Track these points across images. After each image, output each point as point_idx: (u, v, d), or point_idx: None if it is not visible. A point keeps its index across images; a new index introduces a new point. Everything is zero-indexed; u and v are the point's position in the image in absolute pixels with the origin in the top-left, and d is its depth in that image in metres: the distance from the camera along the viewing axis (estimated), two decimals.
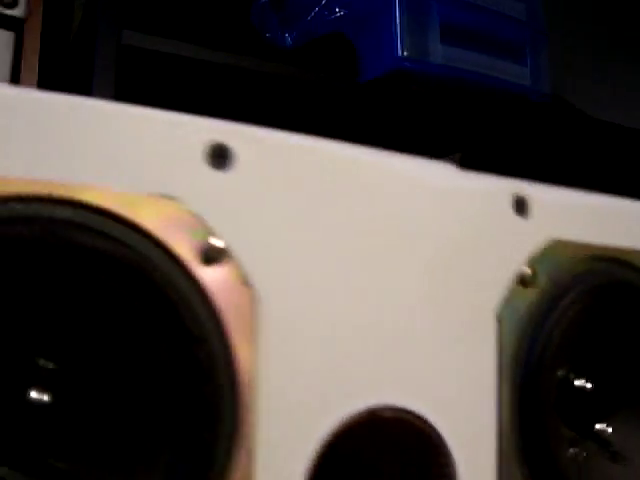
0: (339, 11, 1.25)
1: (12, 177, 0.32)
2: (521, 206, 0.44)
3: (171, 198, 0.35)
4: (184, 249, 0.35)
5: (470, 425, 0.41)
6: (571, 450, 0.44)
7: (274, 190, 0.37)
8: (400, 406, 0.39)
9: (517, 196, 0.44)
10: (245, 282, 0.36)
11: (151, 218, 0.34)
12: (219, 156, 0.36)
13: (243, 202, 0.37)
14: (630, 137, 1.36)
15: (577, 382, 0.46)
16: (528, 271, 0.43)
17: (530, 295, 0.43)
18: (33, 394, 0.34)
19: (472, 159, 1.35)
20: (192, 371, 0.34)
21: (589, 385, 0.46)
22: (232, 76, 1.04)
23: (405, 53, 1.22)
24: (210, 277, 0.35)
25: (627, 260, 0.46)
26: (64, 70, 0.94)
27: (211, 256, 0.35)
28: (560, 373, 0.45)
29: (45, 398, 0.34)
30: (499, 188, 0.44)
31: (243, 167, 0.37)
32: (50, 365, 0.34)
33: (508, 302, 0.43)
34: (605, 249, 0.46)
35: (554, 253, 0.44)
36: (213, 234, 0.35)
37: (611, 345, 0.46)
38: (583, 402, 0.46)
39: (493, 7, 1.23)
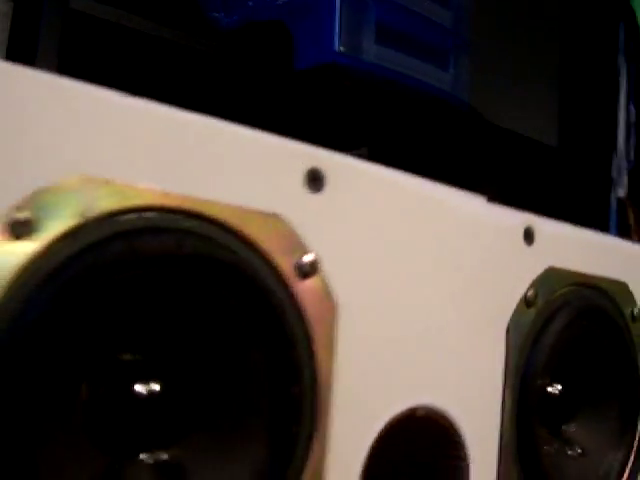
0: None
1: (156, 189, 0.35)
2: (529, 236, 0.51)
3: (275, 215, 0.39)
4: (284, 262, 0.39)
5: (482, 425, 0.47)
6: (545, 447, 0.51)
7: (356, 213, 0.42)
8: (430, 405, 0.45)
9: (527, 227, 0.51)
10: (329, 295, 0.40)
11: (259, 232, 0.38)
12: (314, 179, 0.40)
13: (331, 222, 0.41)
14: (529, 146, 1.47)
15: (550, 388, 0.53)
16: (531, 293, 0.50)
17: (532, 314, 0.50)
18: (151, 386, 0.37)
19: (379, 154, 1.41)
20: (283, 372, 0.38)
21: (558, 390, 0.54)
22: (170, 51, 1.05)
23: (341, 48, 1.27)
24: (302, 289, 0.39)
25: (603, 288, 0.54)
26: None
27: (305, 270, 0.39)
28: (541, 381, 0.52)
29: (156, 389, 0.37)
30: (515, 220, 0.50)
31: (333, 190, 0.41)
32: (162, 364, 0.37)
33: (515, 319, 0.49)
34: (588, 277, 0.54)
35: (549, 279, 0.52)
36: (307, 250, 0.39)
37: (583, 358, 0.54)
38: (555, 405, 0.53)
39: (423, 12, 1.30)
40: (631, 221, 1.29)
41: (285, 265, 0.39)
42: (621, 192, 1.32)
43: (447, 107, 1.34)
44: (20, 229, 0.31)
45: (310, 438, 0.39)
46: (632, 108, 1.35)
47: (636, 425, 0.56)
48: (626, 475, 0.56)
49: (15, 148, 0.31)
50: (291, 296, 0.39)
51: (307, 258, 0.39)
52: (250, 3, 1.29)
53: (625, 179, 1.33)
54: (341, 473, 0.41)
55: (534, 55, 1.58)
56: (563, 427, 0.54)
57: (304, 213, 0.40)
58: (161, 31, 1.06)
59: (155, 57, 1.03)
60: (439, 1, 1.35)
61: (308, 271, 0.39)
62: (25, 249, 0.31)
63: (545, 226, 0.52)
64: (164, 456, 0.36)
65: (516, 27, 1.54)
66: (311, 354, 0.39)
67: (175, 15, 1.15)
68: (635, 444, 0.56)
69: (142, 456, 0.36)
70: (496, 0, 1.42)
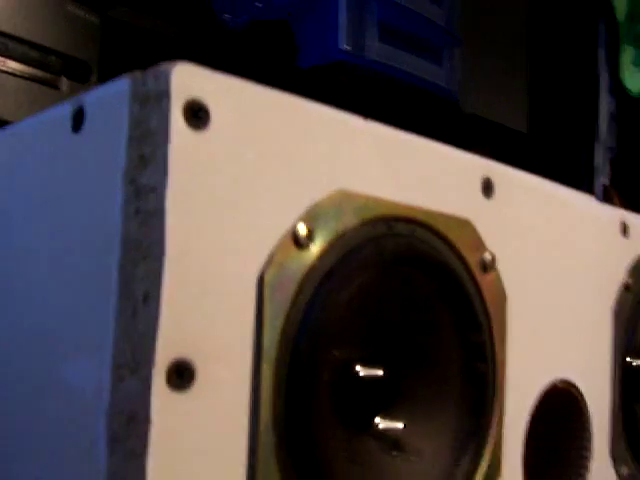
0: None
1: (396, 202, 0.41)
2: (625, 230, 0.58)
3: (466, 219, 0.45)
4: (472, 260, 0.45)
5: (601, 396, 0.55)
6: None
7: (523, 219, 0.48)
8: (567, 379, 0.52)
9: (622, 222, 0.58)
10: (502, 288, 0.47)
11: (455, 235, 0.44)
12: (487, 188, 0.47)
13: (500, 225, 0.47)
14: (510, 135, 1.56)
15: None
16: (629, 279, 0.58)
17: (630, 298, 0.58)
18: (365, 370, 0.42)
19: None
20: (472, 352, 0.45)
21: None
22: (183, 50, 1.10)
23: (347, 47, 1.33)
24: (484, 282, 0.46)
25: None
26: None
27: (486, 266, 0.46)
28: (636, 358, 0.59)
29: (373, 374, 0.43)
30: (614, 215, 0.58)
31: (501, 198, 0.47)
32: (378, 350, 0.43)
33: (619, 303, 0.57)
34: None
35: None
36: (487, 250, 0.46)
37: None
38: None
39: (421, 11, 1.37)
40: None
41: (472, 262, 0.45)
42: (605, 180, 1.42)
43: (441, 101, 1.42)
44: (302, 240, 0.37)
45: (492, 404, 0.46)
46: (612, 98, 1.45)
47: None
48: None
49: (289, 170, 0.37)
50: (477, 287, 0.45)
51: (487, 256, 0.46)
52: (257, 4, 1.34)
53: (608, 167, 1.43)
54: (513, 431, 0.48)
55: (508, 50, 1.68)
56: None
57: (482, 217, 0.46)
58: (172, 30, 1.10)
59: (167, 56, 1.07)
60: (434, 0, 1.42)
61: (488, 267, 0.46)
62: (307, 256, 0.37)
63: (636, 220, 0.59)
64: (393, 424, 0.42)
65: (490, 19, 1.63)
66: (491, 337, 0.46)
67: (189, 16, 1.19)
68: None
69: (374, 427, 0.42)
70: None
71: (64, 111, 0.38)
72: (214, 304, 0.34)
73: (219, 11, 1.28)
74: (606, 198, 1.37)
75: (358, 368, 0.41)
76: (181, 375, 0.33)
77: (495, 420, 0.46)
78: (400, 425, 0.42)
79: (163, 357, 0.32)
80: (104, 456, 0.32)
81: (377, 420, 0.43)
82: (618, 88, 1.43)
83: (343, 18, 1.27)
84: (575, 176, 1.46)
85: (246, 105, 0.35)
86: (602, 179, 1.42)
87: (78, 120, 0.37)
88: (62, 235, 0.37)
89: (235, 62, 1.20)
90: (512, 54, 1.71)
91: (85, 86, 0.72)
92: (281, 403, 0.35)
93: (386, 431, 0.43)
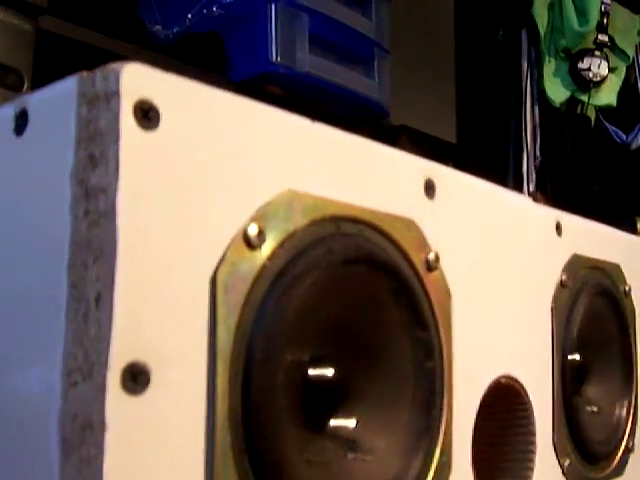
0: (217, 11, 1.32)
1: (343, 202, 0.41)
2: (560, 229, 0.60)
3: (410, 219, 0.46)
4: (417, 259, 0.46)
5: (542, 388, 0.56)
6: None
7: (464, 218, 0.49)
8: (509, 374, 0.53)
9: (557, 222, 0.60)
10: (447, 286, 0.48)
11: (400, 234, 0.45)
12: (429, 188, 0.47)
13: (442, 224, 0.48)
14: (439, 145, 1.59)
15: (571, 356, 0.63)
16: (565, 276, 0.60)
17: (566, 294, 0.60)
18: (313, 372, 0.43)
19: None
20: (421, 350, 0.45)
21: (578, 358, 0.63)
22: (113, 61, 1.09)
23: (278, 58, 1.34)
24: (429, 281, 0.46)
25: (606, 269, 0.65)
26: None
27: (431, 265, 0.47)
28: (572, 351, 0.61)
29: (329, 373, 0.43)
30: (549, 216, 0.60)
31: (443, 199, 0.48)
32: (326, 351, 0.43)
33: (556, 299, 0.59)
34: (596, 261, 0.64)
35: (574, 264, 0.61)
36: (431, 249, 0.47)
37: (593, 328, 0.64)
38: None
39: (350, 24, 1.38)
40: None
41: (417, 261, 0.46)
42: (532, 186, 1.46)
43: (372, 112, 1.44)
44: (253, 240, 0.37)
45: (442, 401, 0.46)
46: (537, 109, 1.49)
47: (634, 382, 0.67)
48: (630, 425, 0.66)
49: (240, 171, 0.37)
50: (423, 286, 0.46)
51: (432, 255, 0.47)
52: (188, 16, 1.33)
53: (534, 175, 1.47)
54: (462, 427, 0.48)
55: (436, 61, 1.71)
56: (582, 388, 0.64)
57: (425, 217, 0.47)
58: (107, 44, 1.09)
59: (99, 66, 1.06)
60: (363, 13, 1.44)
61: (432, 266, 0.47)
62: (258, 256, 0.37)
63: (569, 220, 0.61)
64: (346, 423, 0.43)
65: (419, 32, 1.66)
66: (438, 335, 0.47)
67: (119, 27, 1.18)
68: (633, 399, 0.67)
69: (329, 426, 0.42)
70: (399, 12, 1.53)
71: (5, 114, 0.37)
72: (168, 305, 0.33)
73: (149, 23, 1.27)
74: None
75: (310, 369, 0.42)
76: (136, 378, 0.32)
77: (445, 417, 0.47)
78: (352, 423, 0.43)
79: (117, 361, 0.31)
80: (58, 462, 0.31)
81: (332, 421, 0.43)
82: (542, 99, 1.48)
83: (273, 30, 1.28)
84: (504, 184, 1.50)
85: (196, 106, 0.35)
86: (529, 186, 1.46)
87: (21, 123, 0.36)
88: (10, 239, 0.36)
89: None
90: (441, 67, 1.74)
91: (18, 95, 0.70)
92: (237, 403, 0.35)
93: (340, 430, 0.43)
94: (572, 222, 0.62)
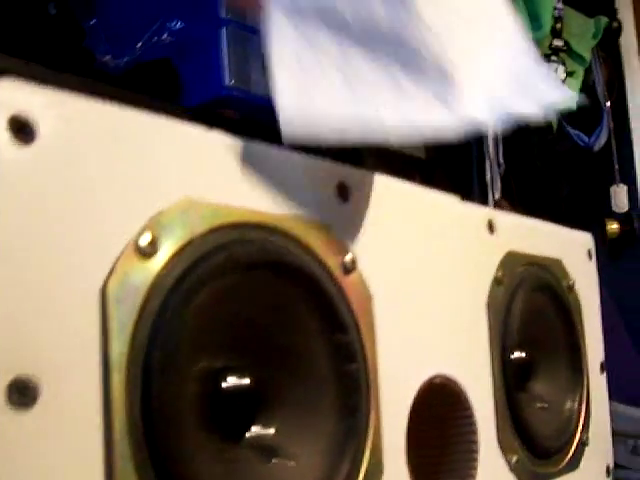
0: (167, 38, 1.33)
1: (241, 207, 0.41)
2: (492, 227, 0.60)
3: (324, 224, 0.46)
4: (332, 262, 0.46)
5: (481, 388, 0.56)
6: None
7: (382, 220, 0.49)
8: (444, 374, 0.53)
9: (489, 220, 0.60)
10: (366, 288, 0.48)
11: (312, 239, 0.45)
12: (343, 192, 0.48)
13: (357, 227, 0.48)
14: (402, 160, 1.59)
15: (516, 354, 0.62)
16: (500, 274, 0.60)
17: (501, 291, 0.60)
18: (232, 378, 0.42)
19: None
20: (342, 353, 0.45)
21: (523, 355, 0.63)
22: None
23: (232, 82, 1.34)
24: (347, 283, 0.46)
25: (547, 265, 0.65)
26: None
27: (348, 268, 0.46)
28: (513, 348, 0.61)
29: (240, 381, 0.43)
30: (479, 214, 0.60)
31: (358, 201, 0.48)
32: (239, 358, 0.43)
33: (491, 297, 0.59)
34: (535, 257, 0.64)
35: (509, 261, 0.61)
36: (347, 251, 0.47)
37: (536, 324, 0.64)
38: (520, 367, 0.62)
39: None
40: None
41: (333, 264, 0.46)
42: (497, 194, 1.46)
43: None
44: (146, 250, 0.36)
45: (368, 404, 0.46)
46: None
47: (585, 376, 0.67)
48: (582, 419, 0.66)
49: (131, 181, 0.37)
50: (340, 289, 0.46)
51: (348, 257, 0.46)
52: (138, 44, 1.34)
53: (499, 182, 1.48)
54: (393, 430, 0.48)
55: None
56: (528, 384, 0.63)
57: (339, 220, 0.47)
58: (50, 75, 1.09)
59: None
60: None
61: (349, 268, 0.47)
62: (152, 265, 0.37)
63: (502, 218, 0.61)
64: (265, 432, 0.42)
65: None
66: (360, 337, 0.46)
67: (70, 61, 1.18)
68: (585, 393, 0.67)
69: (246, 436, 0.42)
70: None
71: None
72: (56, 319, 0.33)
73: (98, 53, 1.27)
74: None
75: (222, 378, 0.41)
76: (23, 393, 0.32)
77: (372, 420, 0.46)
78: (271, 431, 0.42)
79: (1, 376, 0.31)
80: None
81: (252, 429, 0.43)
82: None
83: (226, 54, 1.29)
84: (469, 193, 1.50)
85: (76, 118, 0.35)
86: (494, 193, 1.46)
87: None
88: None
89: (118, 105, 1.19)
90: None
91: None
92: (136, 415, 0.35)
93: (259, 439, 0.42)
94: (506, 220, 0.62)
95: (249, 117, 1.31)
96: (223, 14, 1.28)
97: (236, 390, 0.42)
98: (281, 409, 0.43)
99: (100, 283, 0.35)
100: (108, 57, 1.31)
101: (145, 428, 0.35)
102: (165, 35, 1.36)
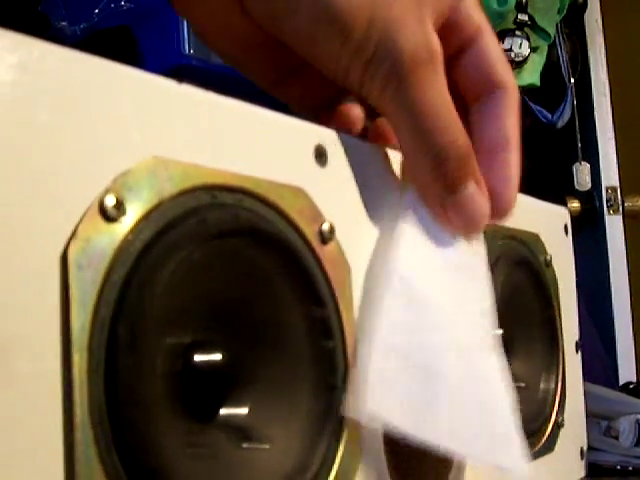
0: (125, 5, 1.28)
1: (213, 168, 0.37)
2: None
3: (300, 189, 0.42)
4: (309, 230, 0.42)
5: None
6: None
7: (361, 187, 0.46)
8: None
9: None
10: (345, 258, 0.45)
11: (288, 204, 0.42)
12: (320, 155, 0.44)
13: (336, 193, 0.45)
14: None
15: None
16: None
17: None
18: (203, 355, 0.39)
19: None
20: (318, 328, 0.42)
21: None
22: None
23: (191, 51, 1.30)
24: (324, 254, 0.43)
25: (523, 239, 0.63)
26: None
27: (325, 237, 0.43)
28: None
29: (212, 358, 0.39)
30: None
31: (336, 166, 0.45)
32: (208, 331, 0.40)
33: None
34: (514, 230, 0.62)
35: (488, 234, 0.59)
36: (325, 220, 0.43)
37: (514, 302, 0.62)
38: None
39: None
40: None
41: (309, 233, 0.42)
42: None
43: None
44: (111, 212, 0.33)
45: (344, 384, 0.43)
46: None
47: (560, 355, 0.65)
48: (558, 399, 0.64)
49: (94, 137, 0.33)
50: (317, 260, 0.43)
51: (325, 226, 0.43)
52: (96, 10, 1.28)
53: None
54: None
55: None
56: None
57: (316, 185, 0.44)
58: None
59: None
60: None
61: (327, 237, 0.43)
62: (118, 230, 0.33)
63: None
64: (237, 411, 0.39)
65: None
66: (337, 311, 0.43)
67: (24, 26, 1.12)
68: (560, 373, 0.65)
69: (218, 416, 0.39)
70: None
71: None
72: (10, 288, 0.29)
73: (54, 19, 1.22)
74: None
75: (192, 354, 0.38)
76: None
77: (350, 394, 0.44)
78: (244, 411, 0.39)
79: None
80: None
81: (225, 409, 0.40)
82: None
83: (185, 22, 1.24)
84: None
85: (35, 64, 0.31)
86: None
87: None
88: None
89: None
90: None
91: None
92: (99, 395, 0.32)
93: (231, 419, 0.39)
94: None
95: (209, 86, 1.27)
96: None
97: (207, 367, 0.39)
98: (255, 387, 0.40)
99: (61, 248, 0.31)
100: (64, 23, 1.25)
101: (109, 411, 0.32)
102: (123, 2, 1.30)
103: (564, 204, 1.63)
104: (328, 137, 0.45)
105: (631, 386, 1.24)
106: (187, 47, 1.28)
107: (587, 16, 1.65)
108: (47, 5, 1.23)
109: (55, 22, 1.22)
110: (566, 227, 0.71)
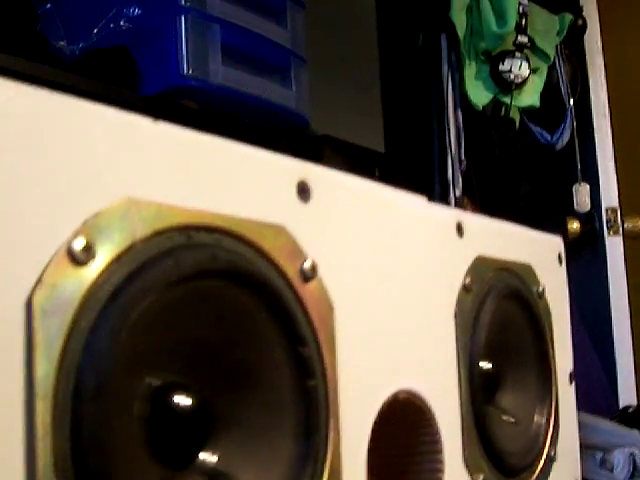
0: (124, 25, 1.27)
1: (189, 208, 0.37)
2: (461, 230, 0.57)
3: (280, 226, 0.41)
4: (290, 269, 0.42)
5: (447, 402, 0.53)
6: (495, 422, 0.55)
7: (345, 222, 0.45)
8: (408, 389, 0.49)
9: (458, 222, 0.57)
10: (327, 297, 0.44)
11: (269, 243, 0.41)
12: (303, 191, 0.43)
13: (320, 229, 0.44)
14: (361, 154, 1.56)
15: (482, 364, 0.59)
16: (468, 280, 0.56)
17: (470, 299, 0.56)
18: (177, 399, 0.38)
19: None
20: (299, 368, 0.41)
21: (490, 366, 0.59)
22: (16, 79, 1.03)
23: (190, 71, 1.29)
24: (306, 292, 0.42)
25: (515, 271, 0.61)
26: None
27: (307, 275, 0.42)
28: (481, 359, 0.57)
29: (186, 402, 0.38)
30: (447, 216, 0.56)
31: (320, 202, 0.44)
32: (188, 371, 0.39)
33: (459, 305, 0.55)
34: (505, 262, 0.61)
35: (479, 266, 0.58)
36: (307, 257, 0.43)
37: (506, 333, 0.61)
38: (488, 379, 0.59)
39: (264, 33, 1.35)
40: None
41: (290, 271, 0.42)
42: (458, 191, 1.43)
43: (291, 122, 1.40)
44: (79, 256, 0.32)
45: (327, 423, 0.42)
46: (459, 113, 1.47)
47: (553, 388, 0.64)
48: (550, 433, 0.63)
49: (64, 178, 0.32)
50: (298, 298, 0.42)
51: (307, 263, 0.42)
52: (94, 30, 1.28)
53: (460, 180, 1.45)
54: (354, 450, 0.44)
55: (358, 70, 1.69)
56: (496, 397, 0.60)
57: (298, 222, 0.43)
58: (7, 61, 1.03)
59: None
60: (278, 22, 1.41)
61: (309, 276, 0.43)
62: (87, 274, 0.32)
63: (471, 220, 0.58)
64: (214, 458, 0.38)
65: (340, 40, 1.63)
66: (319, 350, 0.42)
67: (22, 46, 1.12)
68: (553, 405, 0.64)
69: (194, 463, 0.38)
70: (319, 20, 1.50)
71: None
72: None
73: (52, 39, 1.21)
74: (460, 208, 1.38)
75: (165, 398, 0.37)
76: None
77: (331, 441, 0.42)
78: (221, 458, 0.38)
79: None
80: None
81: (200, 455, 0.38)
82: (465, 102, 1.46)
83: (184, 43, 1.24)
84: (431, 190, 1.47)
85: (3, 107, 0.30)
86: (455, 191, 1.43)
87: None
88: None
89: (73, 92, 1.13)
90: (364, 74, 1.71)
91: None
92: (64, 446, 0.31)
93: (208, 465, 0.38)
94: (475, 222, 0.58)
95: (208, 107, 1.26)
96: (182, 1, 1.23)
97: (179, 411, 0.38)
98: (232, 433, 0.39)
99: (26, 294, 0.30)
100: (63, 43, 1.25)
101: (75, 465, 0.31)
102: (122, 22, 1.30)
103: (564, 225, 1.62)
104: (311, 172, 0.44)
105: (630, 410, 1.22)
106: (186, 67, 1.27)
107: (587, 38, 1.64)
108: (46, 25, 1.22)
109: (54, 42, 1.21)
110: (560, 256, 0.70)
